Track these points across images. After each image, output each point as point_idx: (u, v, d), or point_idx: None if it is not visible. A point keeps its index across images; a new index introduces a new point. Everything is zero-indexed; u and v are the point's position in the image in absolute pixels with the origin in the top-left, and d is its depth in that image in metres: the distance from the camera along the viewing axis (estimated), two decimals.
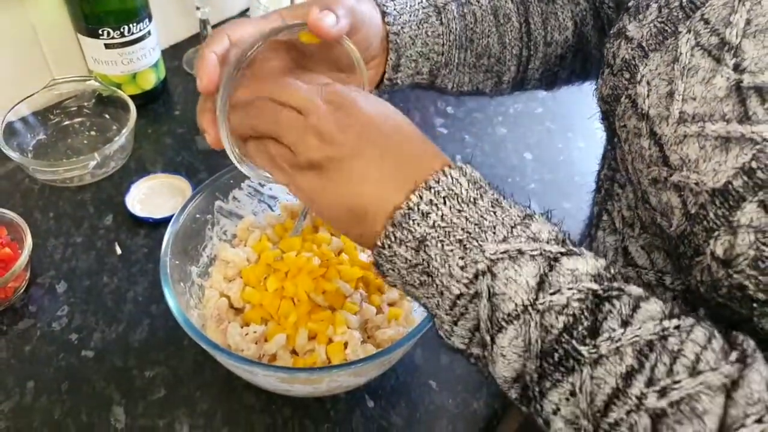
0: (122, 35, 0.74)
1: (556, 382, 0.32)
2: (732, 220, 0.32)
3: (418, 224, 0.34)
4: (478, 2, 0.51)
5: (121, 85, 0.78)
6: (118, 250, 0.66)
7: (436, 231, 0.34)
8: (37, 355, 0.57)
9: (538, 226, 0.34)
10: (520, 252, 0.33)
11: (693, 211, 0.35)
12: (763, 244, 0.31)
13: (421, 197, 0.35)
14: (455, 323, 0.35)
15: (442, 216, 0.34)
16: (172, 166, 0.74)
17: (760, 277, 0.32)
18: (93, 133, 0.78)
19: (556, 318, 0.32)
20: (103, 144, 0.75)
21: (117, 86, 0.77)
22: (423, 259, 0.35)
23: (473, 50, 0.52)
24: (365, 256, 0.58)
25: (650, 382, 0.30)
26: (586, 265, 0.33)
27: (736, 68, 0.33)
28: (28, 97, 0.73)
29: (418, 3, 0.49)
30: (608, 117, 0.45)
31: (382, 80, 0.50)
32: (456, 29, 0.50)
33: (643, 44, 0.40)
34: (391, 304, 0.56)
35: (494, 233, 0.34)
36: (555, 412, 0.33)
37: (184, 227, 0.54)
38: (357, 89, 0.39)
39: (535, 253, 0.33)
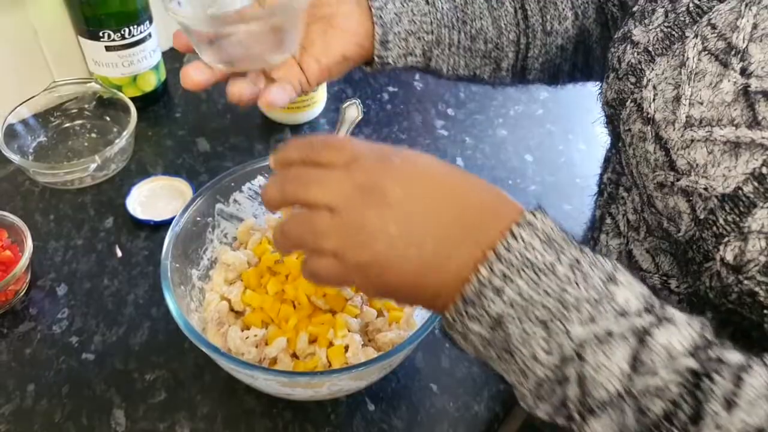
0: (123, 37, 0.74)
1: None
2: (743, 226, 0.32)
3: (493, 301, 0.31)
4: None
5: (121, 87, 0.78)
6: (119, 253, 0.66)
7: (513, 309, 0.31)
8: (38, 358, 0.57)
9: (625, 294, 0.31)
10: (609, 333, 0.30)
11: (702, 217, 0.35)
12: None
13: (491, 269, 0.31)
14: (540, 400, 0.32)
15: (518, 291, 0.31)
16: (173, 169, 0.74)
17: None
18: (93, 135, 0.78)
19: (653, 402, 0.29)
20: (103, 146, 0.74)
21: (117, 88, 0.77)
22: (501, 338, 0.32)
23: (467, 32, 0.51)
24: None
25: None
26: (680, 337, 0.30)
27: (743, 72, 0.33)
28: (29, 99, 0.73)
29: None
30: (613, 121, 0.45)
31: (373, 58, 0.49)
32: (443, 8, 0.50)
33: (650, 49, 0.40)
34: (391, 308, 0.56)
35: (579, 311, 0.30)
36: None
37: (185, 230, 0.54)
38: (382, 154, 0.35)
39: (624, 331, 0.30)
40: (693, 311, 0.41)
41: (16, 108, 0.72)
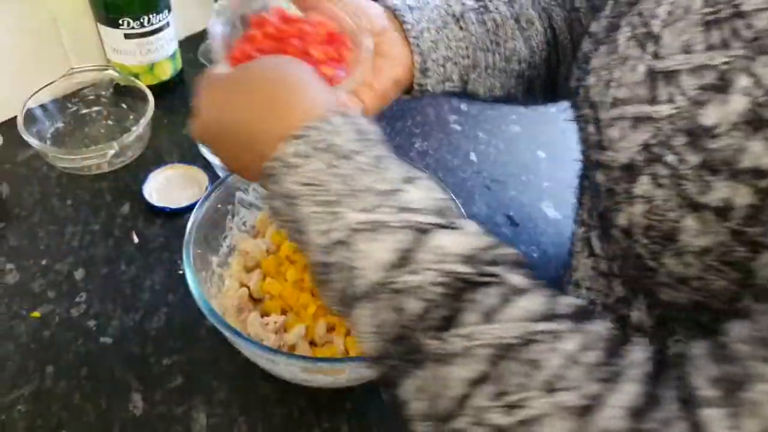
0: (142, 26, 0.74)
1: (406, 373, 0.29)
2: (631, 192, 0.35)
3: (287, 179, 0.32)
4: (497, 10, 0.52)
5: (138, 75, 0.79)
6: (135, 239, 0.66)
7: (306, 188, 0.31)
8: (57, 341, 0.58)
9: (418, 194, 0.31)
10: (383, 224, 0.30)
11: (609, 187, 0.37)
12: (651, 212, 0.33)
13: (292, 147, 0.32)
14: (321, 285, 0.33)
15: (314, 170, 0.31)
16: (189, 157, 0.75)
17: (651, 246, 0.34)
18: (110, 122, 0.78)
19: (411, 301, 0.28)
20: (120, 133, 0.75)
21: (135, 76, 0.78)
22: (295, 216, 0.32)
23: (500, 53, 0.52)
24: None
25: (498, 395, 0.26)
26: (460, 242, 0.30)
27: (655, 55, 0.36)
28: (48, 85, 0.73)
29: (436, 12, 0.50)
30: (574, 107, 0.47)
31: (412, 85, 0.50)
32: (477, 32, 0.51)
33: (597, 38, 0.43)
34: None
35: (362, 200, 0.31)
36: (408, 406, 0.30)
37: (206, 216, 0.55)
38: None
39: (401, 224, 0.30)
40: (634, 294, 0.43)
41: (35, 93, 0.72)
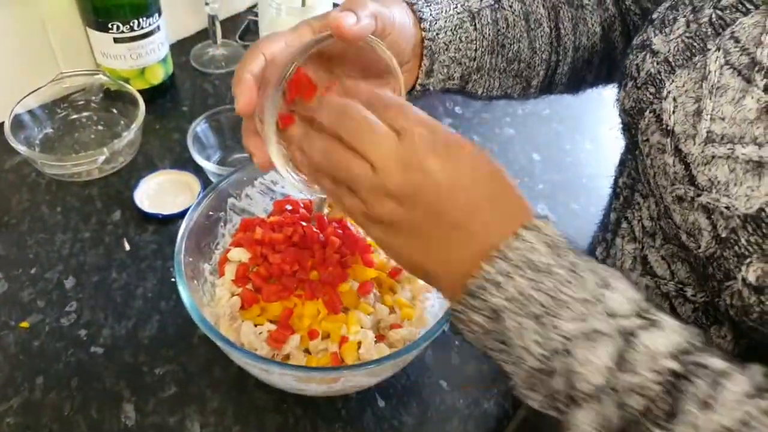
0: (132, 29, 0.73)
1: None
2: (765, 248, 0.32)
3: (493, 295, 0.34)
4: (511, 7, 0.51)
5: (129, 79, 0.78)
6: (127, 246, 0.66)
7: (511, 303, 0.33)
8: (46, 351, 0.57)
9: (617, 298, 0.33)
10: (597, 331, 0.32)
11: (723, 235, 0.34)
12: None
13: (494, 267, 0.34)
14: (531, 390, 0.35)
15: (517, 288, 0.33)
16: (181, 162, 0.74)
17: None
18: (100, 127, 0.77)
19: (633, 397, 0.31)
20: (110, 139, 0.74)
21: (125, 81, 0.77)
22: (499, 329, 0.34)
23: (504, 55, 0.52)
24: (382, 257, 0.58)
25: None
26: (665, 340, 0.32)
27: (767, 89, 0.33)
28: (36, 90, 0.72)
29: (453, 8, 0.48)
30: (630, 129, 0.44)
31: (414, 86, 0.49)
32: (489, 35, 0.50)
33: (670, 59, 0.40)
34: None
35: (570, 309, 0.32)
36: None
37: (198, 224, 0.54)
38: (433, 138, 0.36)
39: (611, 331, 0.32)
40: (708, 321, 0.41)
41: (23, 99, 0.71)
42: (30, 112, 0.73)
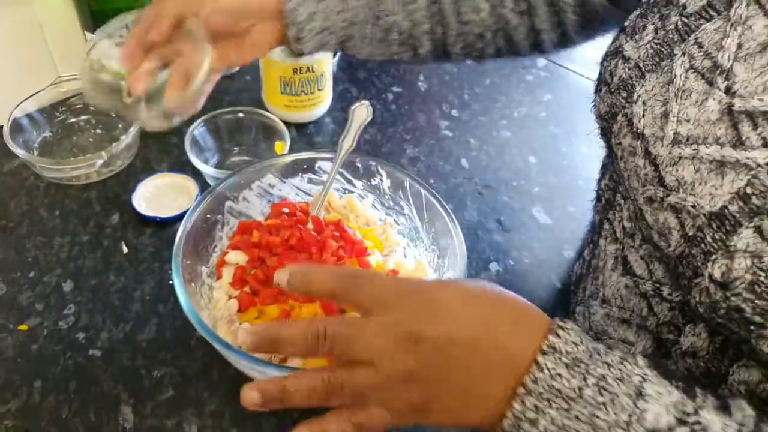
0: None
1: None
2: (729, 245, 0.33)
3: (530, 431, 0.34)
4: None
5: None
6: (125, 249, 0.66)
7: None
8: (44, 354, 0.57)
9: (655, 410, 0.32)
10: None
11: (690, 234, 0.35)
12: (759, 269, 0.32)
13: (524, 403, 0.34)
14: None
15: (551, 420, 0.33)
16: (178, 165, 0.74)
17: (757, 301, 0.32)
18: (98, 131, 0.78)
19: None
20: (108, 142, 0.74)
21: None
22: None
23: (380, 26, 0.54)
24: (379, 259, 0.58)
25: None
26: None
27: (728, 91, 0.34)
28: (34, 94, 0.73)
29: None
30: (606, 133, 0.45)
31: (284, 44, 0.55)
32: (356, 6, 0.53)
33: (640, 65, 0.41)
34: None
35: None
36: None
37: (196, 227, 0.54)
38: (407, 312, 0.36)
39: None
40: (684, 319, 0.42)
41: (21, 102, 0.71)
42: (28, 115, 0.73)
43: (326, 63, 0.79)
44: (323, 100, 0.82)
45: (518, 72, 0.98)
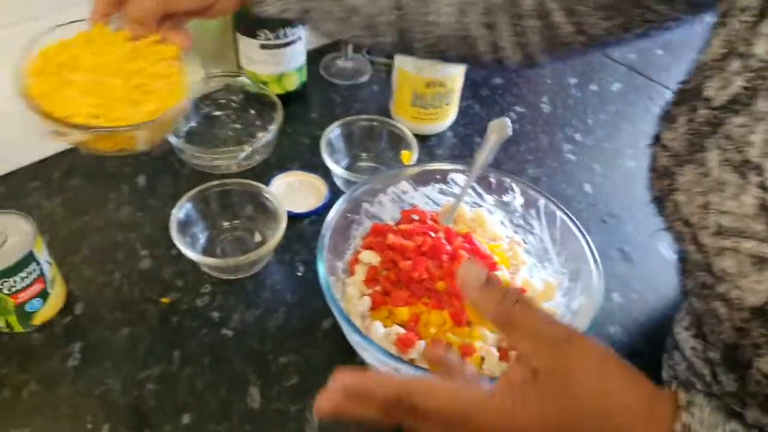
0: (278, 37, 0.78)
1: None
2: None
3: None
4: None
5: (267, 83, 0.83)
6: (258, 237, 0.69)
7: None
8: (183, 327, 0.61)
9: None
10: None
11: (739, 325, 0.35)
12: None
13: None
14: None
15: None
16: (311, 166, 0.77)
17: None
18: (237, 125, 0.83)
19: None
20: (245, 137, 0.79)
21: (264, 84, 0.82)
22: None
23: (342, 6, 0.54)
24: (506, 275, 0.59)
25: None
26: None
27: (761, 186, 0.33)
28: None
29: None
30: (661, 214, 0.45)
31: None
32: None
33: (678, 154, 0.40)
34: None
35: None
36: None
37: (337, 223, 0.56)
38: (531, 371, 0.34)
39: None
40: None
41: None
42: None
43: (458, 79, 0.80)
44: (449, 115, 0.84)
45: (644, 101, 0.96)
